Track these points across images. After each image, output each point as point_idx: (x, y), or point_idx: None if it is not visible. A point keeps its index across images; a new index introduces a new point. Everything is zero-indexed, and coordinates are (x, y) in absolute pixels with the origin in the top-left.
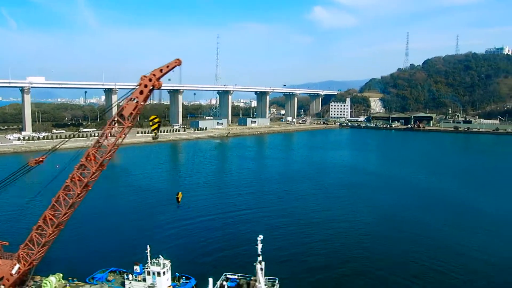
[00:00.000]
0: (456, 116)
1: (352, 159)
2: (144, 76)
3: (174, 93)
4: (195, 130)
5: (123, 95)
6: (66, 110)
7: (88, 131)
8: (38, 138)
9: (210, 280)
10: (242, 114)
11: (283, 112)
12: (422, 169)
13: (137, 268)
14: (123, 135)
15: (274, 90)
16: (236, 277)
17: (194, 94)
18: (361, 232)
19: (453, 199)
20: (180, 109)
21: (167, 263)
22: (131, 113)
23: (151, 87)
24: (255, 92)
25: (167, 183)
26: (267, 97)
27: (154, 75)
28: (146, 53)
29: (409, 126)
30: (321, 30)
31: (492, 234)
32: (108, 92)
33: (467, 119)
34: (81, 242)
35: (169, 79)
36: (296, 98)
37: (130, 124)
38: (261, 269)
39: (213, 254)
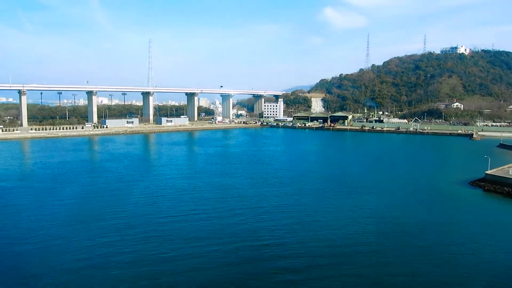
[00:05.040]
0: (371, 116)
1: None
2: None
3: (89, 94)
4: (94, 128)
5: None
6: (7, 110)
7: None
8: None
9: None
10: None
11: (241, 112)
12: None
13: None
14: None
15: (203, 91)
16: None
17: (124, 94)
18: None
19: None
20: (95, 109)
21: None
22: None
23: None
24: (186, 93)
25: None
26: (195, 97)
27: None
28: (157, 55)
29: (321, 125)
30: (332, 31)
31: None
32: (19, 93)
33: (380, 119)
34: None
35: (87, 81)
36: (231, 99)
37: None
38: None
39: None
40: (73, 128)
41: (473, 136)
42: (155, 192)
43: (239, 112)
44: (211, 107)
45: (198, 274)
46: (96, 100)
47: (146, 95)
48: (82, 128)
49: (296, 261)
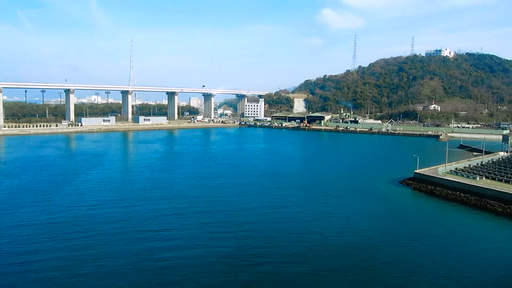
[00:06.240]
0: (346, 117)
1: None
2: None
3: (67, 92)
4: (68, 126)
5: None
6: None
7: None
8: None
9: None
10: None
11: (227, 112)
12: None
13: None
14: None
15: (183, 90)
16: None
17: (108, 93)
18: None
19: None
20: (72, 107)
21: None
22: None
23: None
24: (167, 93)
25: None
26: (176, 97)
27: None
28: (157, 56)
29: (297, 125)
30: (330, 32)
31: None
32: None
33: (356, 119)
34: None
35: (66, 80)
36: (212, 99)
37: None
38: None
39: None
40: (47, 126)
41: (440, 137)
42: (89, 185)
43: (225, 111)
44: (203, 106)
45: (96, 251)
46: (74, 99)
47: (125, 93)
48: (57, 126)
49: (176, 242)
